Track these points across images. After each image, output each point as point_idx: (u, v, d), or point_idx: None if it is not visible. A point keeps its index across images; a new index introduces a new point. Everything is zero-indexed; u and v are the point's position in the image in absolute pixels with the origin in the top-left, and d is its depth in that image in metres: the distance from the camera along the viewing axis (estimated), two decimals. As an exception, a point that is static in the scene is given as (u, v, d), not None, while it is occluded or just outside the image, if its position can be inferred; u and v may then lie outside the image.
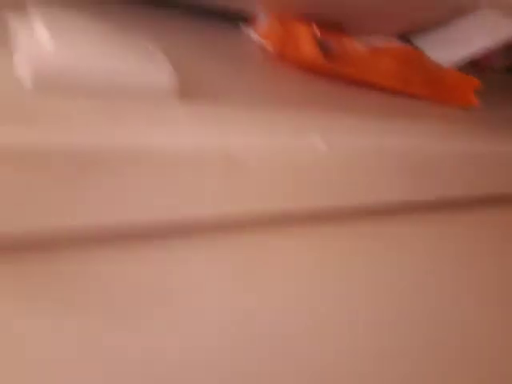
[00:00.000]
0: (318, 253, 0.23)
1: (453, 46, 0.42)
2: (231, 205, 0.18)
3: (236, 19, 0.40)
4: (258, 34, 0.38)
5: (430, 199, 0.27)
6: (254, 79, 0.28)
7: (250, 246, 0.20)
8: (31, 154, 0.14)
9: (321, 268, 0.23)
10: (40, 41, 0.18)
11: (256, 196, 0.18)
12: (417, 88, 0.38)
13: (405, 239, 0.27)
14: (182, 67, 0.24)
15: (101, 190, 0.15)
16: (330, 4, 0.37)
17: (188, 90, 0.21)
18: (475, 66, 0.60)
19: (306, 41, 0.35)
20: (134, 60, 0.18)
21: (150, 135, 0.16)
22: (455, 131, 0.29)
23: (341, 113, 0.25)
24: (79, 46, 0.17)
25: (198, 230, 0.18)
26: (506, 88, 0.65)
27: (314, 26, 0.37)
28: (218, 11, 0.38)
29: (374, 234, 0.24)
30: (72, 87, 0.17)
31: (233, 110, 0.20)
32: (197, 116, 0.18)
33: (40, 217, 0.15)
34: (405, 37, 0.44)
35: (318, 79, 0.34)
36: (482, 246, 0.33)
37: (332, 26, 0.39)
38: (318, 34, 0.38)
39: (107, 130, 0.15)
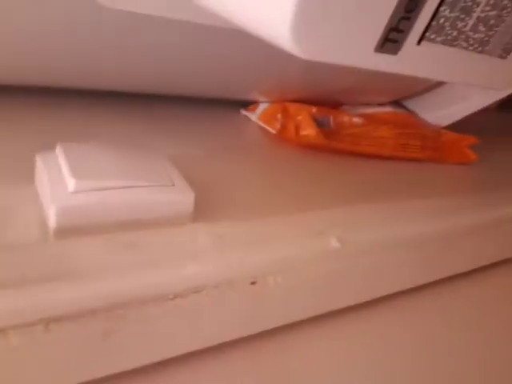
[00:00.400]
0: (347, 347, 0.23)
1: (444, 108, 0.44)
2: (256, 325, 0.18)
3: (235, 103, 0.42)
4: (258, 119, 0.39)
5: (444, 277, 0.27)
6: (261, 172, 0.29)
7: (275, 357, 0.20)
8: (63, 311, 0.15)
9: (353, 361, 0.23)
10: (63, 180, 0.19)
11: (280, 313, 0.19)
12: (414, 153, 0.39)
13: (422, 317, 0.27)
14: (193, 176, 0.25)
15: (129, 339, 0.16)
16: (326, 86, 0.39)
17: (202, 205, 0.22)
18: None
19: (305, 121, 0.36)
20: (154, 190, 0.19)
21: (174, 269, 0.17)
22: (459, 205, 0.30)
23: (349, 204, 0.26)
24: (100, 181, 0.19)
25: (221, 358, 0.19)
26: (499, 126, 0.67)
27: (310, 106, 0.39)
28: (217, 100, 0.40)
29: (391, 320, 0.25)
30: (91, 226, 0.18)
31: (246, 223, 0.21)
32: (214, 239, 0.19)
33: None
34: (396, 102, 0.46)
35: (319, 158, 0.35)
36: (495, 309, 0.34)
37: (328, 100, 0.41)
38: (315, 111, 0.39)
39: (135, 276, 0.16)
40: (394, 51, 0.19)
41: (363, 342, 0.24)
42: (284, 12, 0.16)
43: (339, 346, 0.23)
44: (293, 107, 0.38)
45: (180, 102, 0.40)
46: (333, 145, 0.36)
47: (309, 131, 0.36)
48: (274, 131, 0.37)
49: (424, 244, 0.25)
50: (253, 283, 0.18)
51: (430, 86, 0.43)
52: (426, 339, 0.27)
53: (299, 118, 0.37)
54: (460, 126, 0.44)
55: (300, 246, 0.20)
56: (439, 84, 0.43)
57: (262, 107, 0.40)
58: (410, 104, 0.47)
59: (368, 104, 0.44)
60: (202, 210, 0.22)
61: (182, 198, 0.20)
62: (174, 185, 0.21)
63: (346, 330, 0.23)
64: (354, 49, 0.18)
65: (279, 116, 0.37)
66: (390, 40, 0.19)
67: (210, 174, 0.26)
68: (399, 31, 0.18)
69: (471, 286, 0.29)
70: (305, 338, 0.21)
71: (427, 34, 0.19)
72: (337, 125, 0.40)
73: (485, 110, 0.70)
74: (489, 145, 0.50)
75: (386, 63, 0.19)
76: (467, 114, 0.42)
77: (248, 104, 0.41)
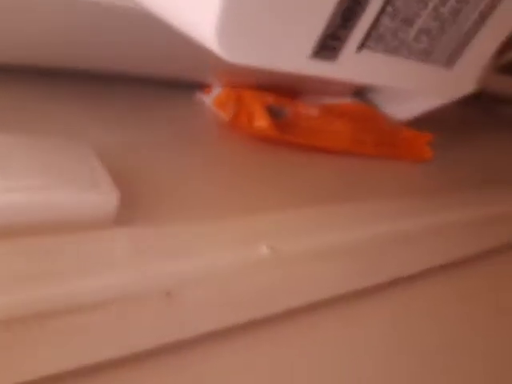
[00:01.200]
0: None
1: (405, 102, 0.44)
2: (172, 336, 0.18)
3: (190, 85, 0.40)
4: (212, 103, 0.38)
5: (385, 281, 0.27)
6: (202, 166, 0.28)
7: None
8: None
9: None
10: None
11: (198, 323, 0.18)
12: (369, 148, 0.39)
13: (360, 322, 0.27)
14: (125, 170, 0.24)
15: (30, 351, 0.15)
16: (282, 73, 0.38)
17: (130, 205, 0.21)
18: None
19: (258, 112, 0.35)
20: (71, 189, 0.18)
21: (81, 279, 0.16)
22: (406, 207, 0.30)
23: (289, 207, 0.25)
24: (5, 181, 0.17)
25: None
26: (461, 121, 0.67)
27: (267, 93, 0.38)
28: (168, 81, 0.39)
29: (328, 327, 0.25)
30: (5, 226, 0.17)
31: (170, 229, 0.20)
32: (132, 246, 0.18)
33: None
34: (359, 92, 0.45)
35: (271, 151, 0.34)
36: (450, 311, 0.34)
37: (285, 89, 0.40)
38: (271, 100, 0.38)
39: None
40: (332, 58, 0.18)
41: (295, 352, 0.23)
42: (209, 16, 0.15)
43: (265, 356, 0.22)
44: (247, 95, 0.37)
45: (129, 83, 0.38)
46: (286, 138, 0.35)
47: (261, 122, 0.35)
48: (226, 119, 0.36)
49: (359, 250, 0.25)
50: (168, 294, 0.17)
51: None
52: (363, 345, 0.27)
53: (253, 107, 0.35)
54: (420, 121, 0.43)
55: (226, 254, 0.20)
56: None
57: (216, 91, 0.39)
58: (372, 96, 0.46)
59: (329, 94, 0.43)
60: (128, 211, 0.21)
61: (103, 199, 0.19)
62: (95, 183, 0.20)
63: (277, 338, 0.23)
64: (286, 55, 0.17)
65: (232, 103, 0.36)
66: (327, 47, 0.18)
67: (145, 167, 0.25)
68: (336, 39, 0.17)
69: (406, 292, 0.29)
70: (226, 350, 0.20)
71: (367, 42, 0.18)
72: (293, 116, 0.39)
73: (446, 105, 0.71)
74: (448, 142, 0.50)
75: (322, 69, 0.18)
76: (427, 109, 0.41)
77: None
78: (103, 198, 0.19)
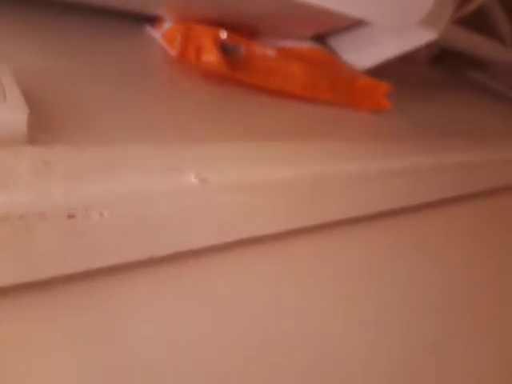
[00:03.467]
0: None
1: (366, 49, 0.42)
2: (76, 263, 0.16)
3: (140, 18, 0.38)
4: (162, 38, 0.36)
5: (325, 222, 0.27)
6: (136, 95, 0.26)
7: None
8: None
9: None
10: None
11: (108, 251, 0.17)
12: (325, 93, 0.37)
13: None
14: (49, 92, 0.22)
15: None
16: (237, 8, 0.36)
17: (46, 126, 0.19)
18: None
19: (208, 46, 0.33)
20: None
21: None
22: (355, 149, 0.29)
23: (227, 140, 0.24)
24: None
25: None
26: (426, 81, 0.66)
27: (221, 29, 0.36)
28: (115, 12, 0.36)
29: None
30: None
31: (87, 149, 0.18)
32: (39, 164, 0.17)
33: None
34: (319, 38, 0.44)
35: (219, 87, 0.32)
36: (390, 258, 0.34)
37: (242, 28, 0.38)
38: (225, 36, 0.36)
39: None
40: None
41: (215, 290, 0.23)
42: None
43: (184, 292, 0.21)
44: (198, 28, 0.34)
45: (78, 11, 0.35)
46: (236, 76, 0.33)
47: (210, 57, 0.33)
48: (174, 52, 0.34)
49: (294, 188, 0.24)
50: (71, 216, 0.16)
51: (352, 24, 0.41)
52: (292, 287, 0.27)
53: (203, 40, 0.33)
54: (385, 79, 0.42)
55: (146, 179, 0.18)
56: (360, 23, 0.41)
57: (167, 25, 0.36)
58: (333, 43, 0.44)
59: (287, 37, 0.42)
60: (44, 131, 0.19)
61: (9, 115, 0.18)
62: (3, 99, 0.18)
63: (196, 275, 0.22)
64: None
65: (181, 36, 0.34)
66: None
67: (73, 92, 0.23)
68: None
69: (340, 236, 0.28)
70: (139, 283, 0.19)
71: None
72: (248, 55, 0.37)
73: (415, 64, 0.69)
74: (409, 98, 0.49)
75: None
76: (384, 58, 0.40)
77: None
78: (10, 113, 0.18)
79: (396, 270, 0.34)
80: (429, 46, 0.73)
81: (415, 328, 0.37)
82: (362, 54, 0.42)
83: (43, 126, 0.19)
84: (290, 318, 0.26)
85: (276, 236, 0.24)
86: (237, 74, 0.33)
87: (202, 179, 0.20)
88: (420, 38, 0.40)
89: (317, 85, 0.37)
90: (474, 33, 0.57)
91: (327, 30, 0.43)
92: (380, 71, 0.43)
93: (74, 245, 0.16)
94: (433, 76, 0.73)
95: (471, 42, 0.56)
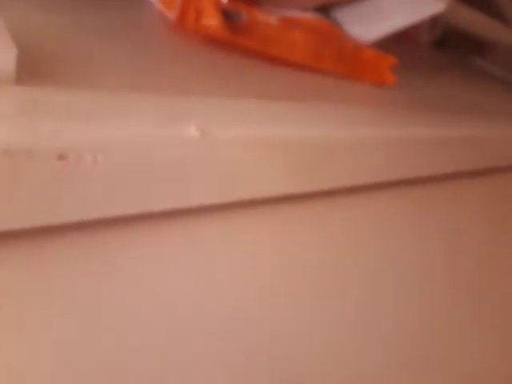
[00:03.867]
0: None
1: (371, 22, 0.41)
2: (64, 210, 0.15)
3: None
4: (159, 1, 0.34)
5: (327, 189, 0.25)
6: (137, 54, 0.25)
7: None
8: None
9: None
10: None
11: (99, 199, 0.16)
12: (329, 64, 0.36)
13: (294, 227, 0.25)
14: (45, 40, 0.21)
15: None
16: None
17: (39, 68, 0.18)
18: (399, 39, 0.60)
19: (209, 9, 0.32)
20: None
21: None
22: (359, 115, 0.28)
23: (229, 96, 0.23)
24: None
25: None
26: (428, 64, 0.65)
27: (222, -6, 0.34)
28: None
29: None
30: None
31: (82, 92, 0.17)
32: (28, 103, 0.15)
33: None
34: (324, 10, 0.42)
35: (220, 52, 0.31)
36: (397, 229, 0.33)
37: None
38: (226, 1, 0.35)
39: None
40: None
41: (212, 251, 0.21)
42: None
43: (171, 252, 0.20)
44: (199, -8, 0.33)
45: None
46: (237, 41, 0.32)
47: (211, 21, 0.31)
48: (173, 15, 0.32)
49: (299, 150, 0.23)
50: (61, 158, 0.14)
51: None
52: (290, 249, 0.25)
53: (202, 4, 0.32)
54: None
55: (142, 126, 0.17)
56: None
57: (166, -12, 0.35)
58: (337, 16, 0.43)
59: (290, 7, 0.40)
60: (37, 75, 0.18)
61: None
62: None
63: (195, 235, 0.21)
64: None
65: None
66: None
67: (68, 43, 0.22)
68: None
69: (340, 203, 0.27)
70: (135, 240, 0.18)
71: None
72: (249, 22, 0.36)
73: (418, 45, 0.68)
74: (410, 75, 0.48)
75: None
76: (390, 31, 0.39)
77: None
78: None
79: (397, 241, 0.33)
80: (432, 28, 0.71)
81: (414, 302, 0.36)
82: (367, 26, 0.41)
83: (36, 70, 0.18)
84: (281, 283, 0.25)
85: (277, 200, 0.23)
86: (237, 38, 0.32)
87: (204, 132, 0.19)
88: (427, 9, 0.38)
89: (320, 55, 0.36)
90: (478, 12, 0.56)
91: (332, 1, 0.42)
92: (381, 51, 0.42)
93: (65, 191, 0.15)
94: (435, 59, 0.72)
95: (475, 21, 0.54)
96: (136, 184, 0.17)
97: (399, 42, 0.45)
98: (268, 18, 0.37)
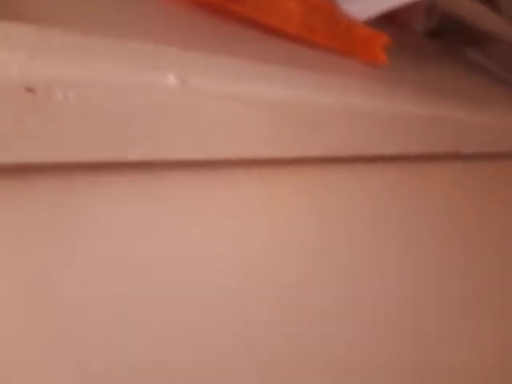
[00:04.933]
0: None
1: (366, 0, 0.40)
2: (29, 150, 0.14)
3: None
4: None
5: (312, 155, 0.25)
6: (122, 6, 0.24)
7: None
8: None
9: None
10: None
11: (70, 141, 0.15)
12: (321, 37, 0.36)
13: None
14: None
15: None
16: None
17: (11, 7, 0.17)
18: (393, 22, 0.59)
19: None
20: None
21: None
22: (348, 86, 0.27)
23: (214, 52, 0.22)
24: None
25: None
26: (421, 51, 0.65)
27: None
28: None
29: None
30: None
31: (61, 32, 0.16)
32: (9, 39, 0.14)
33: None
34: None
35: (212, 18, 0.30)
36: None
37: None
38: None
39: None
40: None
41: (181, 209, 0.21)
42: None
43: (151, 207, 0.19)
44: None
45: None
46: (229, 6, 0.31)
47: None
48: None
49: (286, 112, 0.22)
50: (29, 90, 0.14)
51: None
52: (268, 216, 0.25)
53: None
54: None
55: (116, 67, 0.16)
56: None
57: None
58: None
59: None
60: (10, 10, 0.17)
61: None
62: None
63: (171, 189, 0.20)
64: None
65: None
66: None
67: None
68: None
69: (324, 173, 0.27)
70: (107, 189, 0.17)
71: None
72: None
73: (412, 33, 0.67)
74: (403, 58, 0.47)
75: None
76: (385, 9, 0.38)
77: None
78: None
79: (392, 218, 0.32)
80: (427, 17, 0.71)
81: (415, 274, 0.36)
82: (362, 3, 0.40)
83: (10, 7, 0.17)
84: (268, 249, 0.25)
85: (260, 162, 0.22)
86: (230, 4, 0.31)
87: (183, 81, 0.18)
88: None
89: (313, 27, 0.35)
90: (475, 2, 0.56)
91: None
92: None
93: (34, 127, 0.14)
94: (429, 47, 0.72)
95: (471, 9, 0.54)
96: (110, 128, 0.16)
97: (392, 26, 0.44)
98: (261, -13, 0.36)
